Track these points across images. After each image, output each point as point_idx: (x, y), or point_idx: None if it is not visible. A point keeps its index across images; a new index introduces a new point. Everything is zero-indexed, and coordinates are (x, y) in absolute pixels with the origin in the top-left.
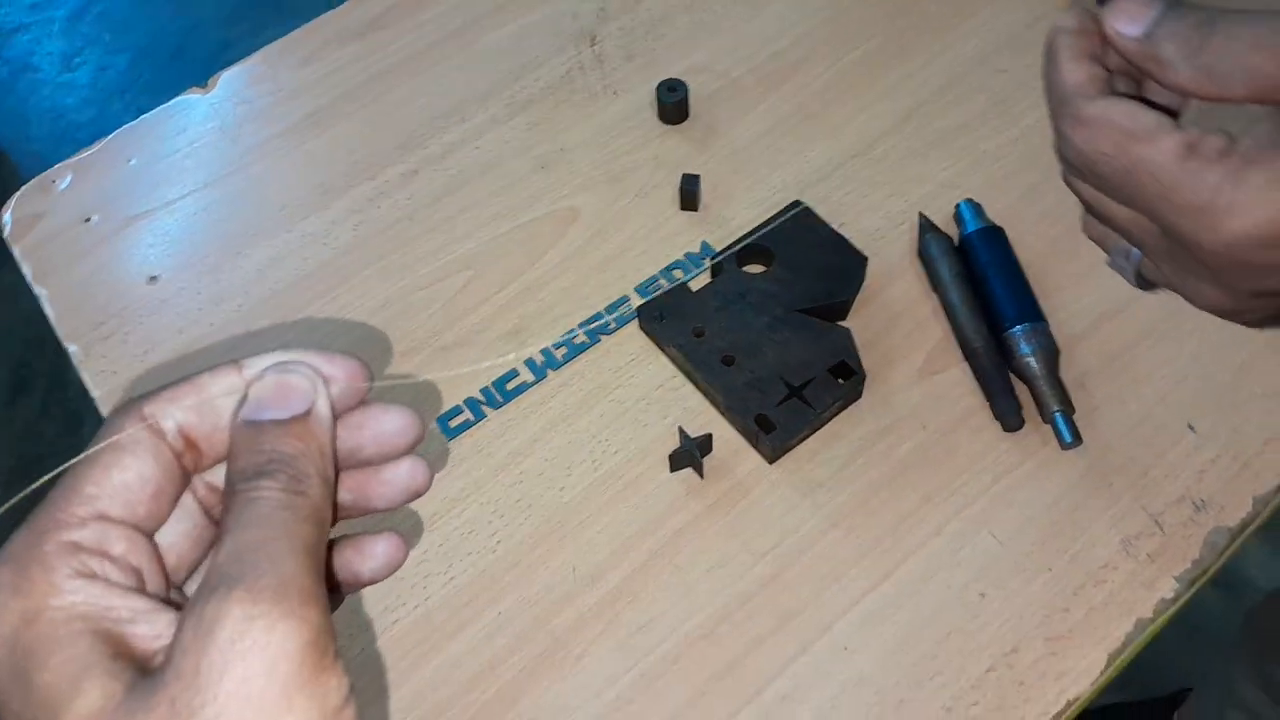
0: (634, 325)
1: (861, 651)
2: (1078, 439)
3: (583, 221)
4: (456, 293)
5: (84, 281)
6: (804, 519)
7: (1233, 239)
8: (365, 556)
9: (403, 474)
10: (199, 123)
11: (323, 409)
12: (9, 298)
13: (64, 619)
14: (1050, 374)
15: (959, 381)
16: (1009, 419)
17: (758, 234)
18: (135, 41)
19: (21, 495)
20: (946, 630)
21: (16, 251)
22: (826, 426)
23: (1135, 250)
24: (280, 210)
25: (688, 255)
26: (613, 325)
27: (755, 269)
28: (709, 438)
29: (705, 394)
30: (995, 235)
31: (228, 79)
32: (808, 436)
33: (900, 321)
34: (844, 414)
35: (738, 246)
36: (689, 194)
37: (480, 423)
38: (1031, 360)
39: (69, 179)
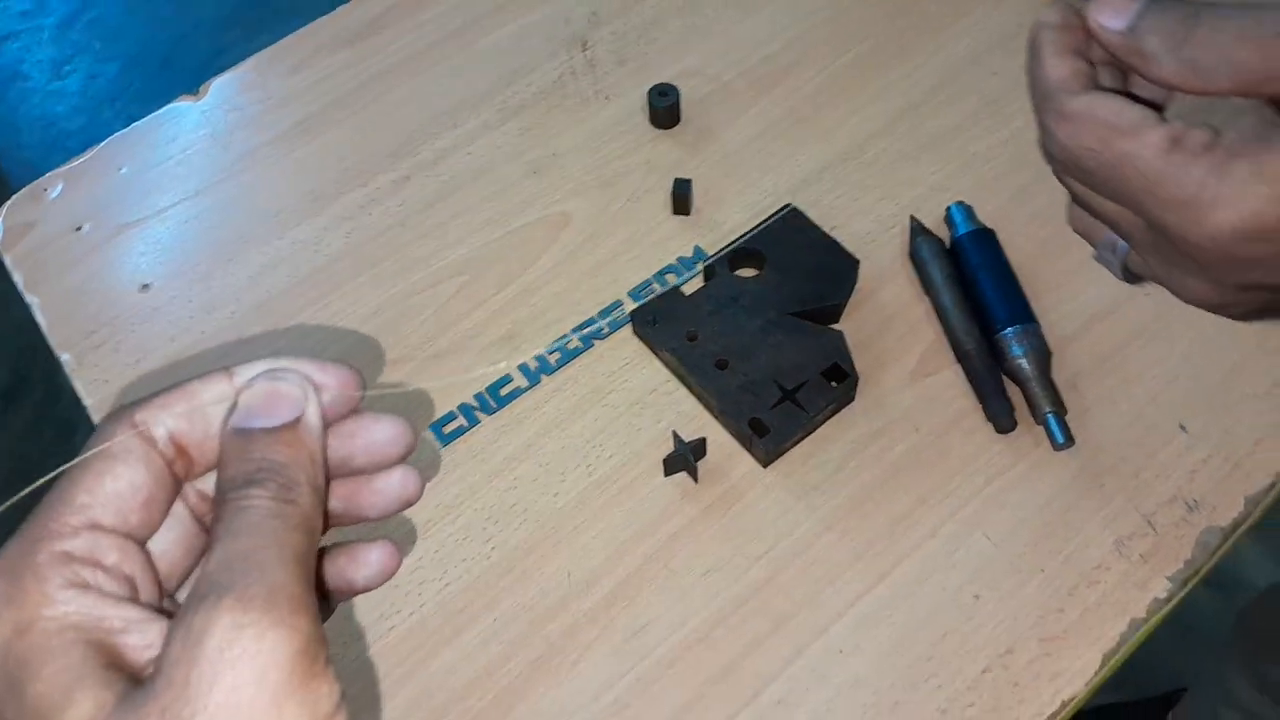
0: (627, 330)
1: (857, 654)
2: (1070, 440)
3: (575, 226)
4: (449, 299)
5: (76, 290)
6: (798, 522)
7: (1218, 232)
8: (359, 564)
9: (394, 483)
10: (190, 130)
11: (313, 417)
12: (0, 307)
13: (57, 629)
14: (1042, 375)
15: (951, 384)
16: (1001, 421)
17: (749, 237)
18: (125, 49)
19: (9, 503)
20: (942, 632)
21: (8, 260)
22: (820, 429)
23: (1122, 243)
24: (272, 217)
25: (680, 259)
26: (606, 330)
27: (748, 272)
28: (703, 442)
29: (699, 398)
30: (986, 237)
31: (218, 86)
32: (801, 439)
33: (892, 324)
34: (837, 417)
35: (730, 250)
36: (681, 198)
37: (474, 428)
38: (1023, 362)
39: (60, 188)
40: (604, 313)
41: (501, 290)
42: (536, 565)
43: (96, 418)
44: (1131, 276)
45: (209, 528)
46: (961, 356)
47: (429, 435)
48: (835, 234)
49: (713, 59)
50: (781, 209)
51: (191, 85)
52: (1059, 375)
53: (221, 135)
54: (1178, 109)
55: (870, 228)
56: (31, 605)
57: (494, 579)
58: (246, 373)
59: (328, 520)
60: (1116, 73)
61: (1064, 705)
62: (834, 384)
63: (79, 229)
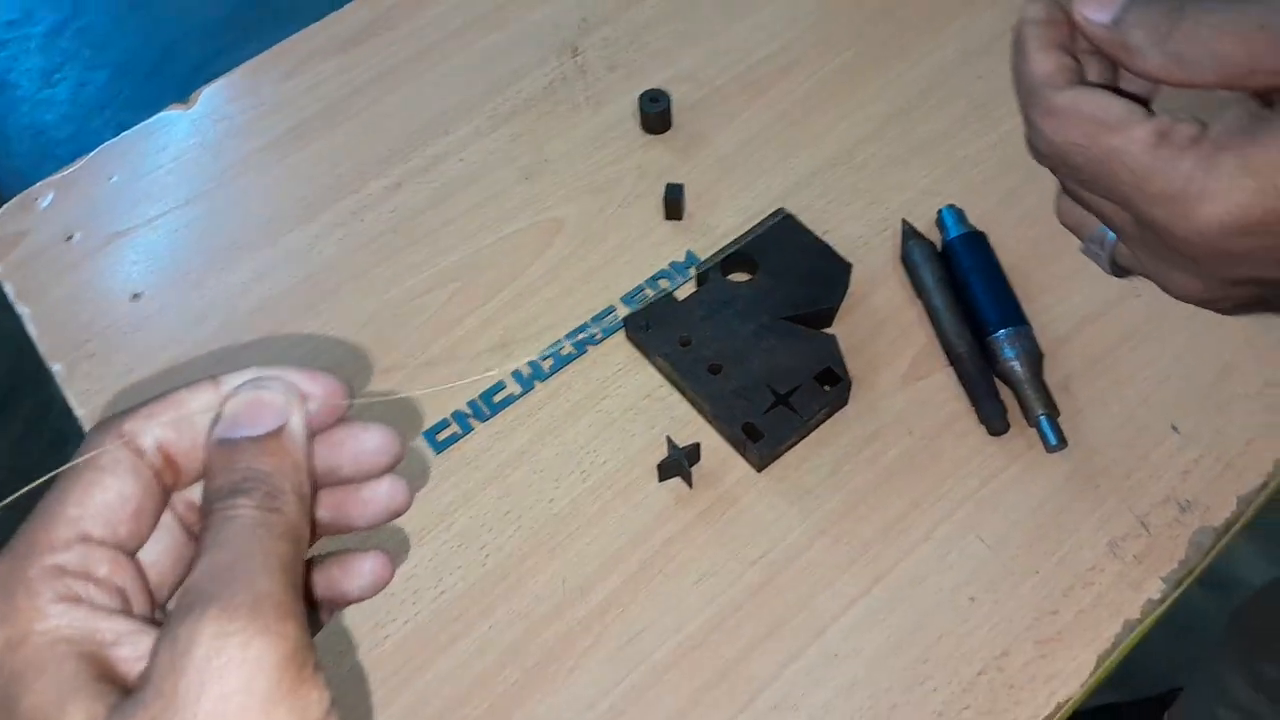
0: (620, 335)
1: (853, 657)
2: (1063, 442)
3: (567, 232)
4: (442, 305)
5: (67, 300)
6: (793, 526)
7: (1205, 227)
8: (352, 575)
9: (382, 493)
10: (181, 139)
11: (296, 425)
12: None
13: (48, 643)
14: (1034, 377)
15: (944, 386)
16: (994, 423)
17: (742, 242)
18: (114, 57)
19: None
20: (937, 634)
21: None
22: (814, 433)
23: (1109, 237)
24: (263, 225)
25: (673, 264)
26: (599, 336)
27: (740, 277)
28: (697, 447)
29: (692, 403)
30: (977, 240)
31: (209, 94)
32: (795, 444)
33: (885, 328)
34: (831, 421)
35: (722, 255)
36: (673, 203)
37: (468, 436)
38: (1015, 364)
39: (50, 197)
40: (597, 318)
41: (494, 297)
42: (531, 572)
43: (89, 428)
44: (1119, 270)
45: (197, 538)
46: (954, 359)
47: (422, 443)
48: (827, 238)
49: (703, 64)
50: (773, 214)
51: (181, 92)
52: (1051, 377)
53: (212, 143)
54: (1163, 103)
55: (862, 232)
56: (24, 619)
57: (489, 586)
58: (233, 381)
59: (315, 529)
60: (1104, 67)
61: (1059, 707)
62: (827, 388)
63: (70, 238)
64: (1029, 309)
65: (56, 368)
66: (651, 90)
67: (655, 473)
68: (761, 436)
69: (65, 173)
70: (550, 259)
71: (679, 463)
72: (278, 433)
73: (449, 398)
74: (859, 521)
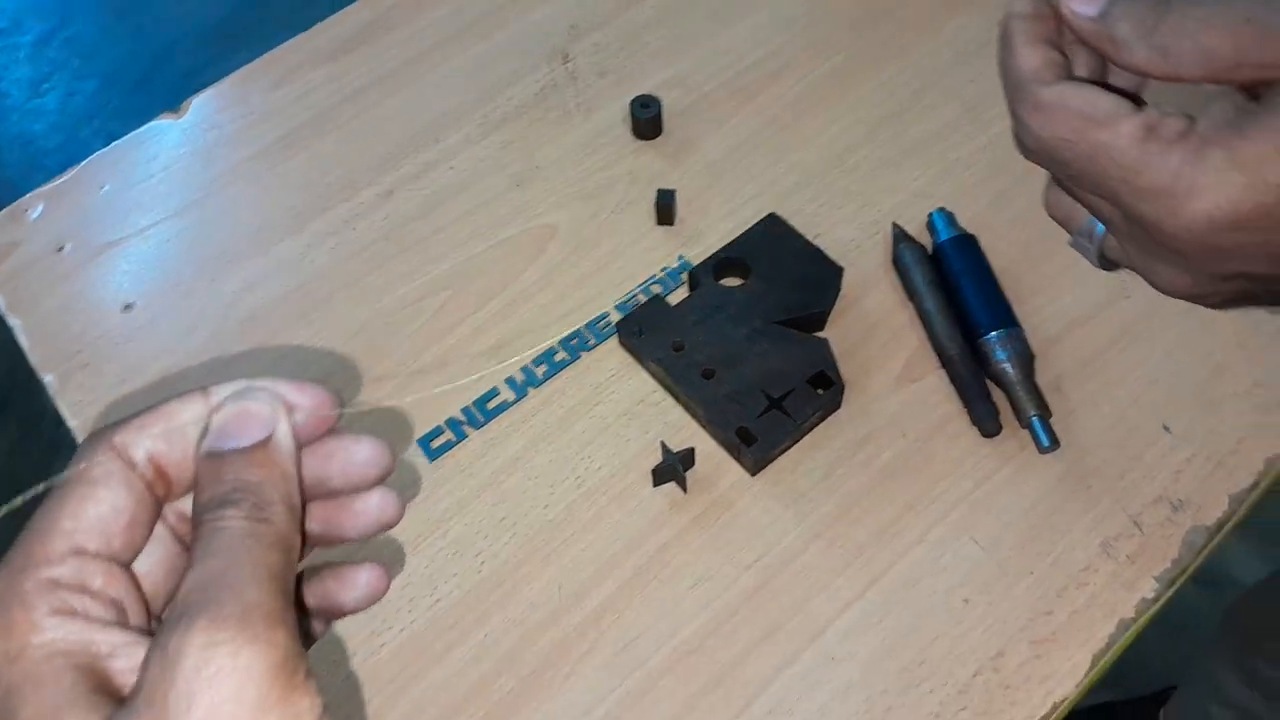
0: (613, 341)
1: (849, 660)
2: (1055, 443)
3: (559, 238)
4: (434, 313)
5: (58, 311)
6: (787, 530)
7: (1194, 222)
8: (347, 586)
9: (373, 505)
10: (171, 148)
11: (283, 435)
12: None
13: (45, 656)
14: (1026, 379)
15: (936, 389)
16: (986, 424)
17: (734, 247)
18: (103, 66)
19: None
20: (932, 636)
21: None
22: (807, 437)
23: (1098, 230)
24: (255, 234)
25: (665, 270)
26: (592, 341)
27: (732, 282)
28: (691, 451)
29: (686, 408)
30: (968, 243)
31: (199, 104)
32: (789, 447)
33: (877, 331)
34: (824, 424)
35: (714, 260)
36: (665, 208)
37: (462, 443)
38: (1007, 366)
39: (41, 208)
40: (590, 324)
41: (486, 304)
42: (527, 579)
43: (81, 439)
44: (1107, 263)
45: (189, 549)
46: (945, 362)
47: (415, 450)
48: (819, 242)
49: (694, 70)
50: (765, 218)
51: (169, 101)
52: (1042, 378)
53: (203, 152)
54: (1150, 98)
55: (853, 235)
56: (20, 633)
57: (484, 594)
58: (222, 392)
59: (306, 540)
60: (1092, 62)
61: (1055, 707)
62: (820, 391)
63: (61, 249)
64: (1020, 311)
65: (49, 379)
66: (642, 96)
67: (650, 478)
68: (755, 440)
69: (56, 183)
70: (542, 265)
71: (673, 468)
72: (264, 443)
73: (442, 405)
74: (853, 524)
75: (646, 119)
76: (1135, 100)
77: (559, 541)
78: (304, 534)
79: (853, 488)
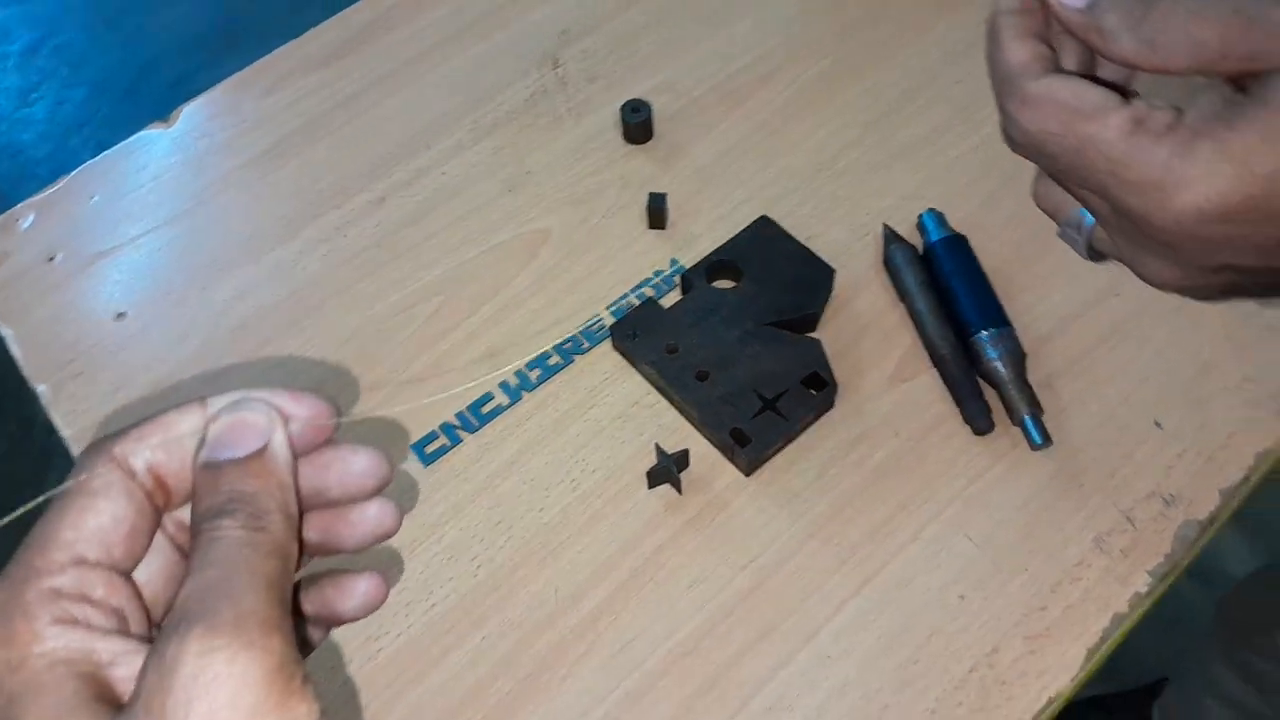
0: (607, 344)
1: (845, 659)
2: (1047, 440)
3: (552, 243)
4: (427, 319)
5: (50, 321)
6: (782, 530)
7: (1183, 214)
8: (346, 595)
9: (371, 516)
10: (161, 157)
11: (279, 444)
12: None
13: (47, 665)
14: (1018, 377)
15: (929, 388)
16: (979, 423)
17: (726, 249)
18: (91, 75)
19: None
20: (928, 633)
21: None
22: (801, 437)
23: (1087, 221)
24: (246, 242)
25: (657, 273)
26: (586, 345)
27: (725, 284)
28: (685, 453)
29: (680, 410)
30: (958, 243)
31: (189, 112)
32: (783, 448)
33: (869, 331)
34: (817, 424)
35: (706, 262)
36: (656, 212)
37: (457, 447)
38: (998, 364)
39: (31, 218)
40: (583, 328)
41: (479, 309)
42: (523, 582)
43: (74, 448)
44: (1096, 255)
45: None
46: (937, 361)
47: (411, 456)
48: (810, 244)
49: (684, 74)
50: (757, 220)
51: (159, 109)
52: (1034, 376)
53: (193, 161)
54: (1139, 90)
55: (844, 237)
56: (22, 643)
57: (481, 597)
58: (219, 403)
59: (304, 549)
60: (1081, 56)
61: (1050, 701)
62: (813, 392)
63: (52, 259)
64: (1011, 310)
65: (42, 389)
66: (633, 100)
67: (644, 480)
68: (749, 441)
69: (46, 193)
70: (535, 270)
71: (668, 469)
72: (260, 453)
73: (436, 410)
74: (847, 524)
75: (637, 124)
76: (1124, 93)
77: (555, 544)
78: (301, 542)
79: (847, 487)
